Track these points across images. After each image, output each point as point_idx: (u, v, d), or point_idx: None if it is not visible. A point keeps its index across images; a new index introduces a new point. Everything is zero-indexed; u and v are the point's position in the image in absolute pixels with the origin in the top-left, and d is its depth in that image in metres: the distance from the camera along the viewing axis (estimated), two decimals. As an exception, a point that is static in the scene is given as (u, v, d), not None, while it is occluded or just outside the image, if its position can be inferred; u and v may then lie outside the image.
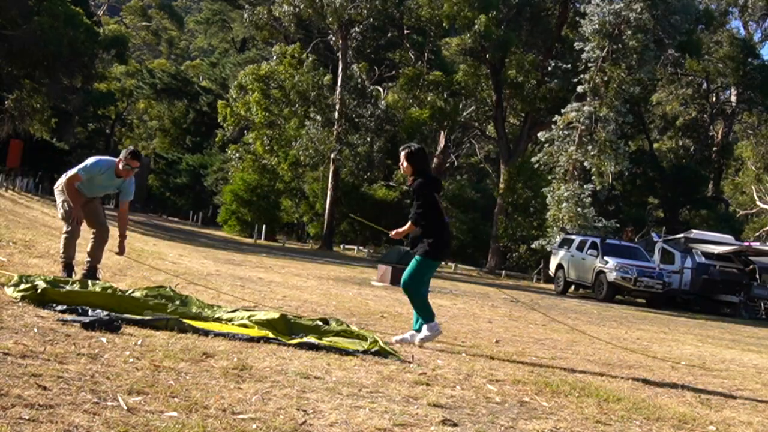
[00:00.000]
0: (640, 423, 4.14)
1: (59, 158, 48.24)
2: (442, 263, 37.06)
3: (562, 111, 26.89)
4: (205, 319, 5.59)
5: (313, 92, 32.47)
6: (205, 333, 5.04)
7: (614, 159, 26.30)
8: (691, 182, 38.00)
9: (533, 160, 29.09)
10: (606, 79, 25.98)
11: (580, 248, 21.81)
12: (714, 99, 42.33)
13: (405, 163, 6.11)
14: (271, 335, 5.27)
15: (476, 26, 29.32)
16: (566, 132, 26.87)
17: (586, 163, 26.74)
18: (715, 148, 42.15)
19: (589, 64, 26.34)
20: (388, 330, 6.94)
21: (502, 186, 33.08)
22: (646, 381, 5.91)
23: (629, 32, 25.25)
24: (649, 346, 9.09)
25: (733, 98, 40.61)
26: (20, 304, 5.08)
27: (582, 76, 26.65)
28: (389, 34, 35.20)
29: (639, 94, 30.22)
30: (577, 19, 30.04)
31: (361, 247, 37.38)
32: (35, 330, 4.32)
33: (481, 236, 38.95)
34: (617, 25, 25.41)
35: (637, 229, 35.45)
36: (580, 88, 26.44)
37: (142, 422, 2.87)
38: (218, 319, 5.65)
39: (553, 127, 27.50)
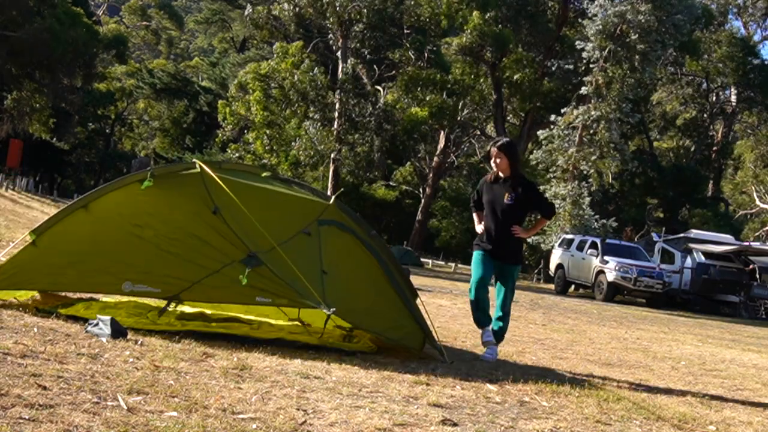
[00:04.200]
0: (640, 423, 4.14)
1: (59, 158, 48.25)
2: (444, 263, 36.82)
3: (563, 111, 26.88)
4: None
5: (312, 92, 32.48)
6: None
7: (619, 160, 26.32)
8: (691, 182, 38.02)
9: (531, 157, 29.10)
10: (608, 80, 25.96)
11: (580, 248, 21.82)
12: (714, 99, 42.33)
13: (500, 159, 5.74)
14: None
15: (470, 23, 29.43)
16: (566, 132, 26.87)
17: (590, 166, 26.74)
18: (714, 148, 42.16)
19: (591, 65, 26.33)
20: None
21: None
22: (646, 381, 5.92)
23: (634, 36, 25.19)
24: (649, 346, 9.09)
25: (733, 98, 40.62)
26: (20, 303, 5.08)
27: (585, 78, 26.65)
28: (389, 34, 35.21)
29: (639, 94, 30.23)
30: (579, 19, 30.03)
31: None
32: (35, 330, 4.32)
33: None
34: (618, 25, 25.38)
35: (636, 229, 35.44)
36: (583, 90, 26.42)
37: (142, 422, 2.87)
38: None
39: (553, 126, 27.50)
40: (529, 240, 29.22)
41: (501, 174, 5.77)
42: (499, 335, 5.93)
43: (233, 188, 5.09)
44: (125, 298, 5.66)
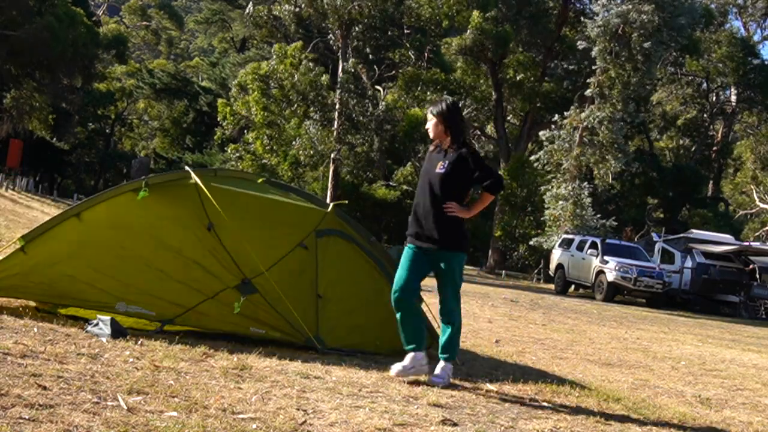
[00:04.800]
0: (640, 423, 4.14)
1: (59, 158, 48.24)
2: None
3: (566, 114, 26.87)
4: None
5: (312, 92, 32.50)
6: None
7: (622, 160, 26.32)
8: (691, 182, 38.01)
9: (532, 158, 29.11)
10: (611, 81, 25.93)
11: (580, 248, 21.81)
12: (714, 99, 42.34)
13: (431, 124, 4.72)
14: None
15: (471, 23, 29.53)
16: (567, 132, 26.87)
17: (595, 169, 26.74)
18: (714, 148, 42.18)
19: (594, 67, 26.31)
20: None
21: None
22: (646, 381, 5.91)
23: (636, 35, 25.16)
24: (649, 346, 9.08)
25: (733, 98, 40.63)
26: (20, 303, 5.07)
27: (590, 79, 26.63)
28: (389, 34, 35.24)
29: (641, 94, 30.24)
30: (581, 18, 30.02)
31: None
32: (35, 330, 4.31)
33: (480, 236, 38.95)
34: (620, 25, 25.35)
35: (637, 229, 35.44)
36: (588, 92, 26.39)
37: (142, 422, 2.87)
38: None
39: (553, 126, 27.51)
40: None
41: (441, 144, 4.68)
42: (449, 347, 4.54)
43: (229, 201, 5.05)
44: None
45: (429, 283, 4.63)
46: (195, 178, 5.10)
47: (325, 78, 32.54)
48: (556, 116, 27.39)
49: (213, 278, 5.00)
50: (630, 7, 25.06)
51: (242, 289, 4.97)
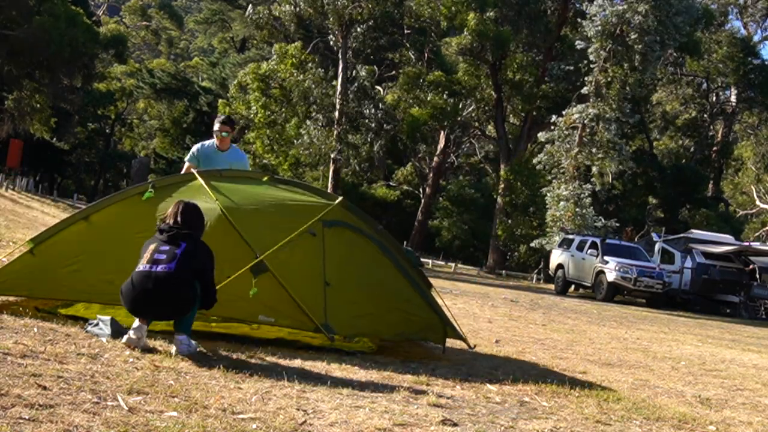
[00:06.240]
0: (640, 423, 4.14)
1: (59, 158, 48.24)
2: (444, 263, 36.60)
3: (564, 113, 26.87)
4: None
5: (315, 90, 32.49)
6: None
7: (617, 160, 26.30)
8: (691, 182, 37.98)
9: (535, 161, 29.13)
10: (609, 80, 25.93)
11: (580, 248, 21.80)
12: (714, 99, 42.32)
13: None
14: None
15: (468, 25, 29.53)
16: (567, 132, 26.86)
17: (593, 168, 26.72)
18: (714, 148, 42.16)
19: (591, 65, 26.30)
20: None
21: (501, 185, 33.11)
22: (646, 381, 5.91)
23: (633, 36, 25.16)
24: (649, 346, 9.08)
25: (733, 98, 40.61)
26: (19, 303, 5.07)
27: (586, 78, 26.63)
28: (389, 34, 35.23)
29: (639, 94, 30.20)
30: (578, 19, 30.01)
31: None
32: (35, 330, 4.31)
33: (481, 236, 38.94)
34: (619, 25, 25.34)
35: (637, 229, 35.42)
36: (584, 90, 26.39)
37: (142, 422, 2.87)
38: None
39: (553, 127, 27.51)
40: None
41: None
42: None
43: (236, 195, 5.10)
44: None
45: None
46: (200, 180, 5.14)
47: (335, 78, 32.59)
48: (555, 117, 27.40)
49: (223, 261, 4.89)
50: (626, 7, 25.06)
51: (254, 269, 4.89)
